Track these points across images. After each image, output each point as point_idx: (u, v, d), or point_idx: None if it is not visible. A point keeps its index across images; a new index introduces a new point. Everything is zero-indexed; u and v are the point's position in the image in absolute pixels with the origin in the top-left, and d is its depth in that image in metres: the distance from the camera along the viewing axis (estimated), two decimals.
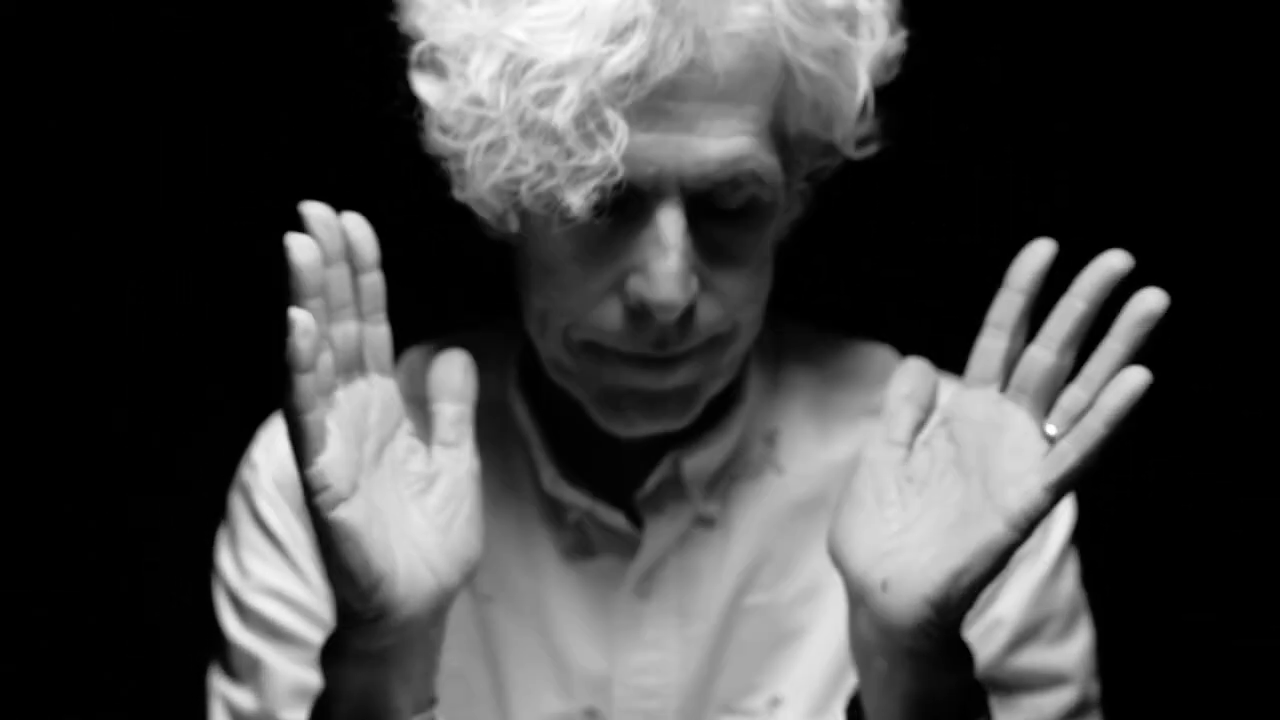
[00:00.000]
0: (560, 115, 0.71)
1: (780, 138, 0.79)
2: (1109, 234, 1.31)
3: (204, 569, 0.96)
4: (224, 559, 0.93)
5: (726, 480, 0.90)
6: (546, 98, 0.71)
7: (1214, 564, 1.35)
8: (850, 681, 0.85)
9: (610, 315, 0.78)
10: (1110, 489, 0.95)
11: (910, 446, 0.79)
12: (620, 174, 0.72)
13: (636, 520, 0.90)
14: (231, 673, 0.92)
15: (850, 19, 0.78)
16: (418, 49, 0.77)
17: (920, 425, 0.80)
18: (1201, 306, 1.32)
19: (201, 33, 1.27)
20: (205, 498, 1.01)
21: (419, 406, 0.83)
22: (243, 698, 0.91)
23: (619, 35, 0.70)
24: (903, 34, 0.82)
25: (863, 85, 0.79)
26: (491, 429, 0.90)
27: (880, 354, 0.95)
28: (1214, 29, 1.25)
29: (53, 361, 1.35)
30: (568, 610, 0.90)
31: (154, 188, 1.31)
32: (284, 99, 1.27)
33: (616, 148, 0.71)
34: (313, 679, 0.87)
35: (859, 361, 0.95)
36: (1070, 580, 0.91)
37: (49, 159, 1.30)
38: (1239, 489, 1.34)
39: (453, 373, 0.81)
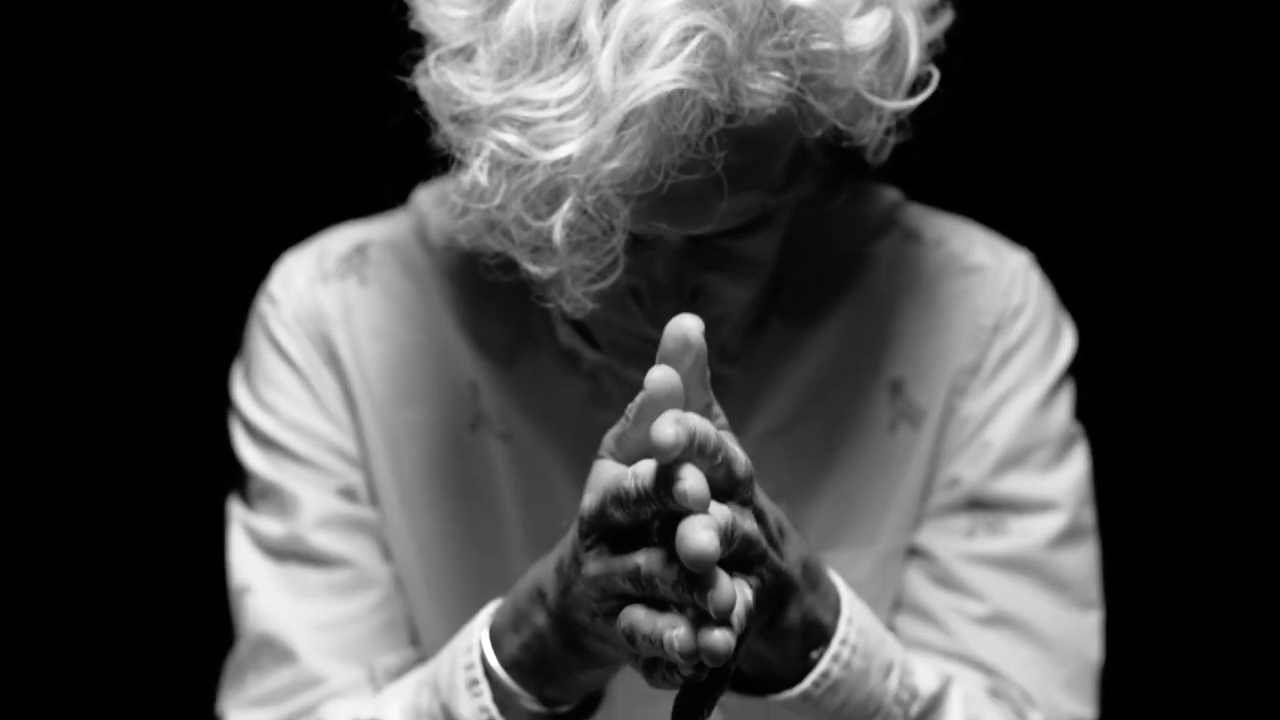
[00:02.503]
0: (558, 232, 0.67)
1: (796, 154, 0.75)
2: (1106, 234, 1.32)
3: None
4: (240, 392, 0.92)
5: (736, 337, 0.90)
6: (544, 202, 0.67)
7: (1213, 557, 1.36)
8: (869, 507, 0.88)
9: (609, 297, 0.75)
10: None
11: None
12: (620, 269, 0.69)
13: None
14: (253, 502, 0.91)
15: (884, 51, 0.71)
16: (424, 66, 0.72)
17: None
18: (1199, 305, 1.32)
19: (201, 32, 1.27)
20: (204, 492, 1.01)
21: (421, 243, 0.90)
22: (268, 525, 0.89)
23: (623, 128, 0.64)
24: (944, 20, 0.77)
25: (890, 105, 0.73)
26: (512, 281, 0.89)
27: (886, 194, 0.94)
28: (1212, 29, 1.25)
29: (52, 359, 1.35)
30: (583, 455, 0.90)
31: (153, 186, 1.31)
32: (283, 95, 1.28)
33: (617, 247, 0.67)
34: (339, 506, 0.88)
35: (862, 202, 0.93)
36: (1064, 410, 0.90)
37: (49, 158, 1.30)
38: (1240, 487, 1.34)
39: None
